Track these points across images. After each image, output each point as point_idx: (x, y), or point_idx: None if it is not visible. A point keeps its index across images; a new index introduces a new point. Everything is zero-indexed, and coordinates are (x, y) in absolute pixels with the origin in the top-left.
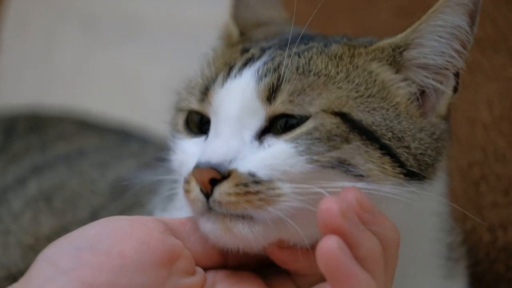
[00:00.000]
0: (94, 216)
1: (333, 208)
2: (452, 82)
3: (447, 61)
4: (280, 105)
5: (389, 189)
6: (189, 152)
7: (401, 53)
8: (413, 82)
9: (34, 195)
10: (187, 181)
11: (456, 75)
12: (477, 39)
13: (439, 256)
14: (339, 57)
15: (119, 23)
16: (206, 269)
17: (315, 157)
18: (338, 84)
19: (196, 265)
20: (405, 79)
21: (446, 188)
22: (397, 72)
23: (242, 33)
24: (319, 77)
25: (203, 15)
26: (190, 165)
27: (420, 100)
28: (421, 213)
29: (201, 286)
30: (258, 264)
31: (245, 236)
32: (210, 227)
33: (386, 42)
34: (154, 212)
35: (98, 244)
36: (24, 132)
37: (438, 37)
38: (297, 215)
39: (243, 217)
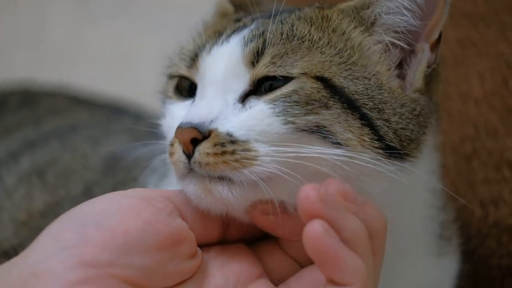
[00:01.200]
0: (87, 191)
1: (311, 194)
2: (427, 54)
3: (413, 24)
4: (262, 68)
5: (367, 159)
6: (177, 115)
7: (365, 11)
8: (385, 44)
9: (27, 171)
10: (171, 144)
11: (433, 48)
12: (469, 14)
13: (431, 234)
14: (312, 19)
15: None
16: (203, 245)
17: (291, 119)
18: (321, 49)
19: (198, 241)
20: (378, 42)
21: (437, 165)
22: (368, 34)
23: (236, 11)
24: (303, 41)
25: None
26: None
27: (399, 74)
28: (411, 190)
29: (198, 266)
30: (254, 237)
31: (226, 198)
32: (191, 189)
33: (349, 3)
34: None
35: (103, 220)
36: (16, 107)
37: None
38: (274, 179)
39: (222, 178)
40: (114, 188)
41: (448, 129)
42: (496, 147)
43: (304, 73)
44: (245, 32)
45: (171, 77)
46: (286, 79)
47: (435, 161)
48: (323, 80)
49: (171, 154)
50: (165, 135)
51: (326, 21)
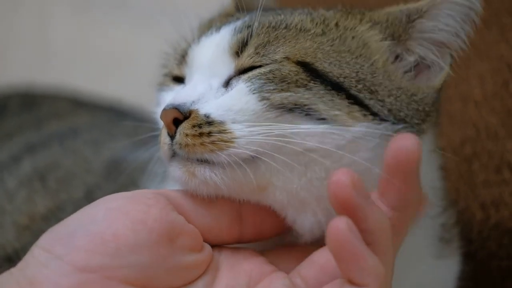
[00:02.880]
0: (88, 195)
1: (343, 179)
2: (449, 59)
3: (455, 41)
4: (247, 59)
5: (358, 130)
6: (166, 101)
7: (413, 22)
8: (413, 52)
9: (29, 174)
10: (160, 133)
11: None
12: None
13: (431, 236)
14: (324, 17)
15: None
16: (219, 244)
17: (266, 95)
18: (310, 37)
19: (209, 238)
20: (407, 50)
21: (436, 166)
22: (395, 39)
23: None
24: (289, 29)
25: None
26: (162, 128)
27: (413, 69)
28: None
29: (207, 263)
30: (271, 235)
31: (210, 179)
32: (176, 172)
33: (395, 9)
34: None
35: (91, 226)
36: (17, 110)
37: (453, 14)
38: (256, 161)
39: (202, 161)
40: (116, 192)
41: (448, 131)
42: (496, 149)
43: (286, 57)
44: (237, 24)
45: (165, 75)
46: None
47: (434, 162)
48: (304, 65)
49: (160, 137)
50: (158, 123)
51: (337, 19)
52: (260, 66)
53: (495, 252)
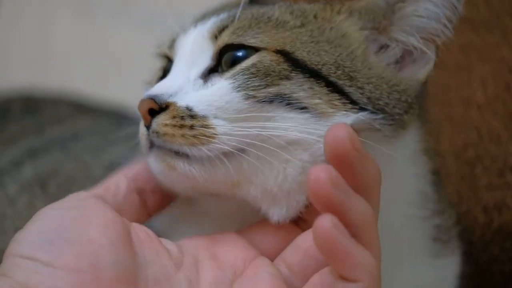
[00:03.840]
0: None
1: (321, 177)
2: (434, 53)
3: (436, 26)
4: (224, 38)
5: (338, 119)
6: None
7: (393, 6)
8: (396, 40)
9: (29, 180)
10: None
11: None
12: (471, 19)
13: (424, 236)
14: (302, 10)
15: (114, 3)
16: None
17: (251, 93)
18: (289, 28)
19: (148, 216)
20: (390, 38)
21: (425, 170)
22: (375, 28)
23: None
24: (270, 20)
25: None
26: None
27: (398, 62)
28: (395, 184)
29: (177, 255)
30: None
31: (190, 173)
32: (154, 164)
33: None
34: None
35: (65, 234)
36: (19, 114)
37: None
38: (237, 157)
39: (181, 154)
40: None
41: (451, 135)
42: (499, 153)
43: (265, 48)
44: (223, 16)
45: (158, 55)
46: (247, 56)
47: (421, 165)
48: (284, 54)
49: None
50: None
51: (316, 11)
52: (235, 49)
53: (497, 255)
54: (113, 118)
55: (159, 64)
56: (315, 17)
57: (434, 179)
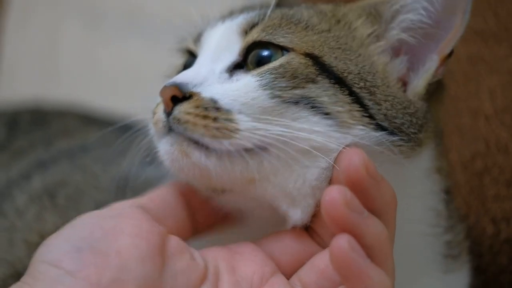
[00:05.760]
0: None
1: (336, 199)
2: (435, 64)
3: (426, 22)
4: (253, 34)
5: (357, 132)
6: None
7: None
8: (394, 38)
9: (38, 191)
10: (154, 111)
11: (443, 62)
12: (479, 31)
13: (435, 252)
14: (324, 13)
15: (122, 16)
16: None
17: (278, 93)
18: (317, 32)
19: (195, 232)
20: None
21: (438, 188)
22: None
23: None
24: (300, 22)
25: (208, 9)
26: (157, 106)
27: (403, 77)
28: (408, 203)
29: (201, 265)
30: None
31: (204, 164)
32: (168, 149)
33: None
34: None
35: (95, 244)
36: (27, 126)
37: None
38: (259, 154)
39: (200, 145)
40: None
41: (459, 145)
42: (507, 164)
43: (293, 49)
44: (253, 13)
45: (179, 50)
46: (273, 56)
47: (434, 183)
48: (313, 57)
49: (154, 114)
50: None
51: (333, 13)
52: (262, 47)
53: (506, 266)
54: (121, 130)
55: (178, 61)
56: (338, 21)
57: (446, 197)
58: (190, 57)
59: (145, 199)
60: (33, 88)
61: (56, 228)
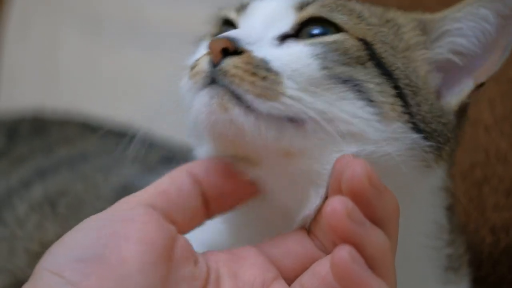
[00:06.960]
0: None
1: (338, 209)
2: (469, 88)
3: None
4: (310, 10)
5: (396, 127)
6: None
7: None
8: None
9: (38, 200)
10: (196, 61)
11: (476, 88)
12: None
13: (436, 266)
14: (374, 10)
15: (123, 24)
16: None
17: (329, 64)
18: (369, 24)
19: (186, 229)
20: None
21: (441, 203)
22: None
23: None
24: (353, 11)
25: (208, 15)
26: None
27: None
28: (415, 213)
29: (205, 273)
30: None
31: (241, 125)
32: (206, 101)
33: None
34: None
35: (100, 251)
36: (27, 134)
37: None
38: (302, 125)
39: (242, 101)
40: None
41: (458, 155)
42: (506, 173)
43: (347, 31)
44: None
45: (215, 19)
46: (329, 34)
47: (440, 199)
48: (365, 43)
49: (192, 68)
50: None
51: (383, 14)
52: (319, 19)
53: (505, 276)
54: (121, 138)
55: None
56: (387, 21)
57: (448, 213)
58: (226, 27)
59: (157, 193)
60: (33, 97)
61: (57, 237)
